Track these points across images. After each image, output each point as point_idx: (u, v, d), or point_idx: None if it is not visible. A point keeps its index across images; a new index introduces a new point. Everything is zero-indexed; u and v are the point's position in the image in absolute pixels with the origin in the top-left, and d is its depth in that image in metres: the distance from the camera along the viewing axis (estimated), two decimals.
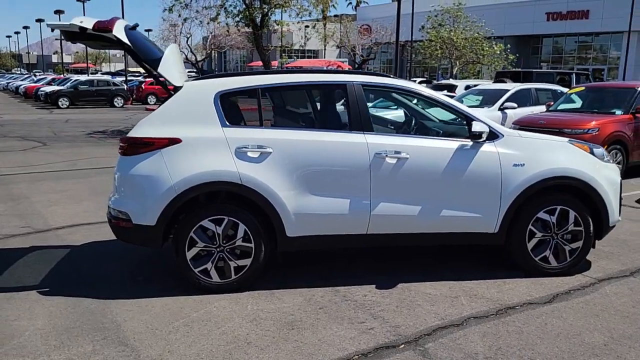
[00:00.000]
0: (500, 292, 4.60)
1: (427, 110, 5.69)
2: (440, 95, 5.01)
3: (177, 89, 4.60)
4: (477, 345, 3.69)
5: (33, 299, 4.43)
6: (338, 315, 4.14)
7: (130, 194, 4.52)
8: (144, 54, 4.59)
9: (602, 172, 5.00)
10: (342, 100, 4.85)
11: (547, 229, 4.92)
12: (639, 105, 10.09)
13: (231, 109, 4.71)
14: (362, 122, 4.70)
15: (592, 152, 5.12)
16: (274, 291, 4.61)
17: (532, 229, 4.90)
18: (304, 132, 4.67)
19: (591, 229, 4.98)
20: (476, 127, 4.68)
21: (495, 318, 4.11)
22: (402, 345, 3.70)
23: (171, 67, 4.60)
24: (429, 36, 28.01)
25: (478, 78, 26.38)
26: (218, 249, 4.52)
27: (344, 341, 3.75)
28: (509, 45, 27.21)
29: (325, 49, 53.61)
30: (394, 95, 5.32)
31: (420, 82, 38.08)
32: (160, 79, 4.63)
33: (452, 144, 4.79)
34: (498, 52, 22.77)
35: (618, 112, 10.16)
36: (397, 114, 7.27)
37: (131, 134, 4.57)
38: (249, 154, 4.49)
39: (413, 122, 5.54)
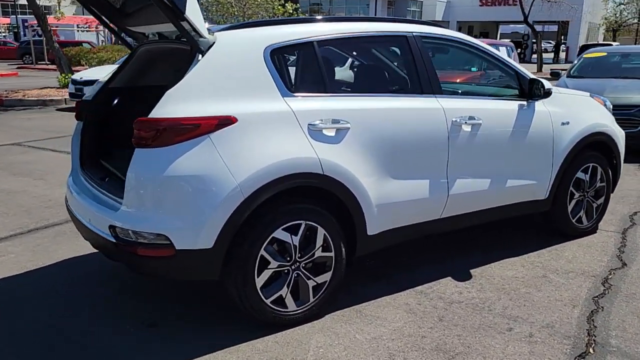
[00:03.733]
0: (573, 262, 4.26)
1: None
2: (493, 49, 4.34)
3: (196, 47, 3.09)
4: None
5: None
6: (473, 326, 3.32)
7: (169, 206, 2.95)
8: None
9: (616, 125, 4.96)
10: (401, 57, 3.86)
11: (581, 188, 4.72)
12: None
13: (287, 70, 3.37)
14: (432, 84, 3.81)
15: (605, 105, 5.04)
16: (355, 307, 3.55)
17: (572, 190, 4.65)
18: (379, 99, 3.58)
19: (611, 183, 4.94)
20: (539, 84, 4.16)
21: (614, 291, 3.75)
22: (592, 349, 3.09)
23: (199, 11, 3.07)
24: None
25: None
26: (293, 267, 3.27)
27: None
28: (299, 5, 26.98)
29: None
30: (450, 49, 4.45)
31: None
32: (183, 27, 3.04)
33: (513, 104, 4.20)
34: (291, 11, 22.51)
35: None
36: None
37: (157, 114, 2.96)
38: (325, 131, 3.28)
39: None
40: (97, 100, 3.96)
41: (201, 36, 3.08)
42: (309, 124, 3.22)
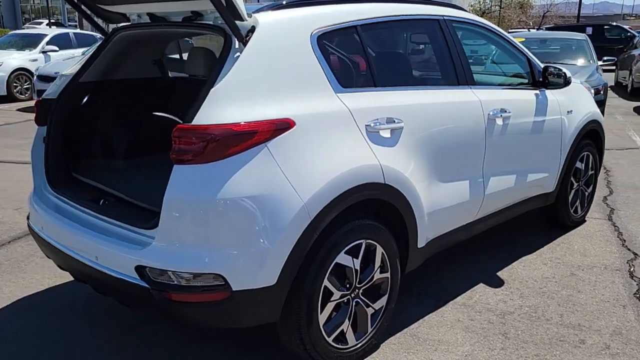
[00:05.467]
0: (588, 256, 4.14)
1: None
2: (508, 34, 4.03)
3: (237, 32, 2.44)
4: None
5: None
6: (543, 341, 3.02)
7: (223, 237, 2.29)
8: None
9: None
10: (436, 44, 3.41)
11: (577, 178, 4.63)
12: None
13: (335, 60, 2.80)
14: (466, 73, 3.42)
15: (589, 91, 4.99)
16: (406, 331, 3.11)
17: (572, 180, 4.53)
18: (424, 93, 3.13)
19: (598, 171, 4.91)
20: (562, 72, 3.94)
21: None
22: None
23: None
24: None
25: None
26: (353, 294, 2.75)
27: None
28: None
29: None
30: (476, 34, 4.02)
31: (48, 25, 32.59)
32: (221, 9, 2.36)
33: (530, 94, 3.94)
34: None
35: None
36: None
37: (202, 119, 2.27)
38: (382, 133, 2.78)
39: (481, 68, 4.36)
40: (64, 98, 3.11)
41: (242, 18, 2.43)
42: (366, 125, 2.71)
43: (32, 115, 10.90)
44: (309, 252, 2.45)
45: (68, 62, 12.04)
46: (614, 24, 23.53)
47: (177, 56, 4.34)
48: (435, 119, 3.09)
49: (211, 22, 2.64)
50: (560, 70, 3.95)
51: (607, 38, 21.39)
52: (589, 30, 19.79)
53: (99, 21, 3.25)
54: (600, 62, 9.39)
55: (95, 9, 3.12)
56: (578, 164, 4.54)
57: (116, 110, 3.42)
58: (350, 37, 2.87)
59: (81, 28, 23.55)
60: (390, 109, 2.85)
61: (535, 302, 3.44)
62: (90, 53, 3.24)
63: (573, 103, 4.34)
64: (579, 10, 32.76)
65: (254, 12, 2.57)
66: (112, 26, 3.29)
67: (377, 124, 2.74)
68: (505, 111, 3.55)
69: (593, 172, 4.81)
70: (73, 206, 2.85)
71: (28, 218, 3.10)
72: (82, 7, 3.08)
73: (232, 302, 2.32)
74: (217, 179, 2.26)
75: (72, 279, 3.63)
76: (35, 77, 11.73)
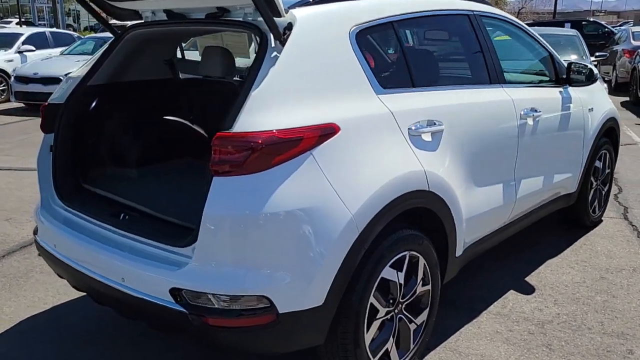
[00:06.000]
0: (613, 258, 4.02)
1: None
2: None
3: (275, 29, 2.22)
4: None
5: None
6: (590, 352, 2.87)
7: (268, 255, 2.09)
8: None
9: None
10: (467, 40, 3.24)
11: (596, 177, 4.51)
12: None
13: (373, 58, 2.60)
14: (497, 71, 3.26)
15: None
16: (445, 345, 2.94)
17: (592, 180, 4.41)
18: (460, 92, 2.95)
19: (613, 169, 4.81)
20: (588, 69, 3.80)
21: None
22: None
23: None
24: None
25: None
26: (396, 310, 2.57)
27: None
28: None
29: None
30: (501, 29, 3.83)
31: None
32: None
33: (555, 92, 3.80)
34: None
35: None
36: None
37: (245, 126, 2.05)
38: (423, 136, 2.60)
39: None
40: (72, 103, 2.86)
41: (280, 14, 2.22)
42: (408, 128, 2.52)
43: (10, 119, 10.56)
44: (356, 268, 2.26)
45: (46, 62, 11.63)
46: (592, 19, 23.75)
47: (179, 56, 4.10)
48: (473, 120, 2.92)
49: (240, 19, 2.43)
50: (586, 67, 3.81)
51: (585, 34, 21.57)
52: (568, 26, 19.90)
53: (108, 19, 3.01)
54: (592, 58, 9.36)
55: (103, 6, 2.87)
56: (597, 163, 4.42)
57: (128, 115, 3.18)
58: (387, 33, 2.69)
59: (57, 27, 22.98)
60: (430, 110, 2.66)
61: (572, 310, 3.30)
62: (100, 54, 2.99)
63: (593, 100, 4.22)
64: (555, 6, 33.02)
65: (289, 8, 2.36)
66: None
67: (419, 127, 2.56)
68: (536, 110, 3.40)
69: (609, 170, 4.70)
70: (89, 221, 2.60)
71: (35, 233, 2.85)
72: (90, 3, 2.83)
73: (277, 326, 2.12)
74: (262, 192, 2.04)
75: (78, 295, 3.41)
76: (12, 79, 11.29)
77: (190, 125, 3.49)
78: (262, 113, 2.09)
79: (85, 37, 14.39)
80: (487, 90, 3.13)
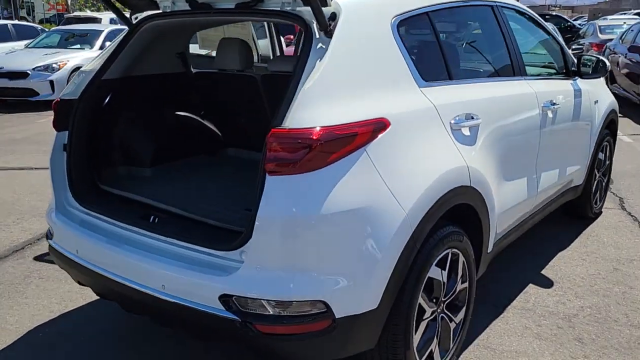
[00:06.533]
0: (621, 249, 4.05)
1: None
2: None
3: (322, 20, 2.11)
4: None
5: None
6: (622, 345, 2.86)
7: (325, 258, 1.98)
8: None
9: None
10: (491, 31, 3.18)
11: (598, 168, 4.54)
12: None
13: (414, 50, 2.51)
14: (520, 63, 3.22)
15: None
16: (478, 342, 2.89)
17: (595, 172, 4.44)
18: (491, 85, 2.91)
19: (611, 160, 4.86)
20: (602, 62, 3.80)
21: None
22: None
23: None
24: None
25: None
26: (439, 310, 2.50)
27: None
28: None
29: None
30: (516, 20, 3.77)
31: None
32: None
33: (567, 84, 3.79)
34: None
35: None
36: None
37: (299, 122, 1.93)
38: (463, 130, 2.53)
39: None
40: (87, 98, 2.68)
41: (326, 3, 2.11)
42: (450, 122, 2.45)
43: None
44: (412, 268, 2.18)
45: (11, 56, 11.17)
46: (554, 13, 24.26)
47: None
48: (504, 114, 2.88)
49: (278, 8, 2.30)
50: (600, 59, 3.82)
51: None
52: None
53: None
54: (569, 51, 9.48)
55: None
56: (600, 155, 4.46)
57: (143, 110, 3.02)
58: (423, 24, 2.60)
59: (18, 19, 22.12)
60: (468, 104, 2.60)
61: (594, 302, 3.30)
62: (114, 46, 2.81)
63: (598, 92, 4.24)
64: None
65: None
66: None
67: (459, 121, 2.49)
68: (555, 103, 3.38)
69: (609, 162, 4.75)
70: (114, 224, 2.44)
71: (49, 238, 2.67)
72: None
73: (334, 332, 2.02)
74: (319, 191, 1.94)
75: (85, 302, 3.25)
76: None
77: (201, 120, 3.35)
78: (315, 108, 1.98)
79: (51, 29, 13.88)
80: (514, 83, 3.09)
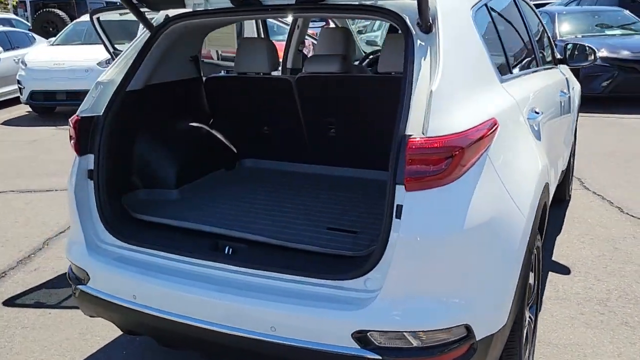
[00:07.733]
0: (614, 230, 4.22)
1: None
2: None
3: (424, 17, 1.90)
4: None
5: None
6: None
7: (467, 278, 1.78)
8: None
9: None
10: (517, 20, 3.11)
11: (573, 150, 4.70)
12: None
13: (486, 42, 2.35)
14: (540, 53, 3.20)
15: None
16: (538, 339, 2.84)
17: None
18: (537, 76, 2.85)
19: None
20: (591, 50, 3.88)
21: None
22: None
23: None
24: None
25: None
26: (529, 314, 2.40)
27: None
28: None
29: None
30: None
31: None
32: None
33: (559, 72, 3.85)
34: None
35: None
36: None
37: (438, 129, 1.71)
38: (534, 125, 2.44)
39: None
40: (113, 114, 2.26)
41: None
42: (527, 118, 2.35)
43: None
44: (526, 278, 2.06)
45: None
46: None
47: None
48: (550, 105, 2.86)
49: (368, 3, 2.04)
50: (589, 47, 3.91)
51: None
52: None
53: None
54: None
55: None
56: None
57: (164, 123, 2.63)
58: (485, 16, 2.47)
59: None
60: (532, 98, 2.53)
61: (616, 283, 3.38)
62: (135, 53, 2.39)
63: (572, 79, 4.37)
64: None
65: None
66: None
67: (531, 116, 2.41)
68: (565, 93, 3.42)
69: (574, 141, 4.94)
70: (173, 259, 2.07)
71: (78, 282, 2.23)
72: None
73: (473, 356, 1.84)
74: (460, 204, 1.75)
75: (95, 348, 2.82)
76: None
77: (215, 132, 3.01)
78: (447, 113, 1.78)
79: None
80: (543, 73, 3.07)
